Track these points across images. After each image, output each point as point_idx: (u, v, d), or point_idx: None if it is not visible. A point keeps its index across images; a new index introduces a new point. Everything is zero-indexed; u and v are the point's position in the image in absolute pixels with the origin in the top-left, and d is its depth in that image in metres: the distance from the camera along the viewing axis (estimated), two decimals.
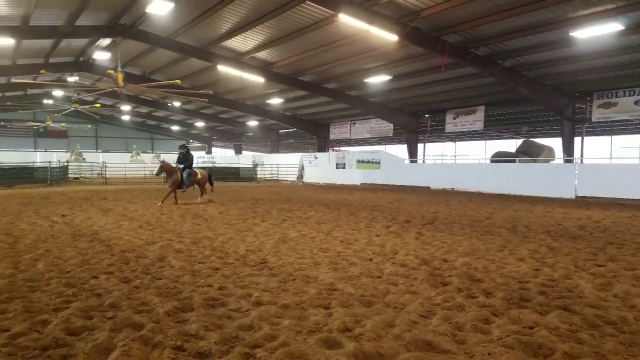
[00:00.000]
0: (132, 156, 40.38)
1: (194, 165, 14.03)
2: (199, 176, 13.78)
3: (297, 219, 10.07)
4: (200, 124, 42.44)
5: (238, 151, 47.19)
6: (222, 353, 2.92)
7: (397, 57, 18.13)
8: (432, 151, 45.15)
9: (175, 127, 46.02)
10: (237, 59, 20.17)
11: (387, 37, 14.23)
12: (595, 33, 13.26)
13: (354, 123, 31.92)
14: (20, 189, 19.78)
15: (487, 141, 42.17)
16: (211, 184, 14.58)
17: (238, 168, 33.07)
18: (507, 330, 3.32)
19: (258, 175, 32.16)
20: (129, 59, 21.61)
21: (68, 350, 2.94)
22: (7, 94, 31.01)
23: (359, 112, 29.21)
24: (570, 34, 13.52)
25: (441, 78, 20.11)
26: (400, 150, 45.20)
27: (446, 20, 14.24)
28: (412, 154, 28.97)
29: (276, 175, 33.53)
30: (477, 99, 23.60)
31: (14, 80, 24.26)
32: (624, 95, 18.39)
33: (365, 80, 21.36)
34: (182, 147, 14.03)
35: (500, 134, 36.06)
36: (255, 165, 32.42)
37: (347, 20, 13.27)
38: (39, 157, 32.96)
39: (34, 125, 35.93)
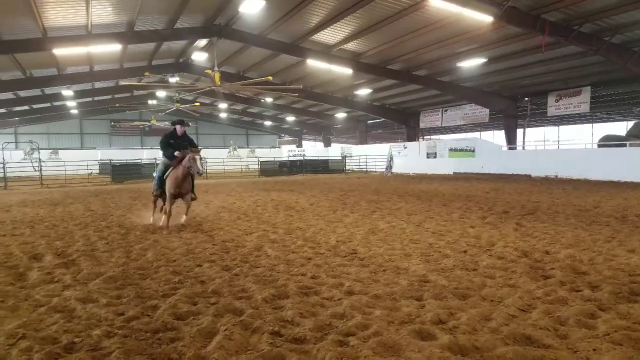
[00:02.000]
0: (229, 151, 43.01)
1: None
2: None
3: (386, 210, 10.06)
4: (290, 118, 43.83)
5: (327, 143, 47.94)
6: (317, 339, 3.06)
7: (492, 39, 17.13)
8: (533, 136, 41.91)
9: (267, 123, 48.04)
10: (326, 51, 20.48)
11: (482, 18, 13.53)
12: None
13: (446, 110, 30.79)
14: (130, 184, 21.90)
15: (594, 124, 38.22)
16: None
17: (327, 160, 33.55)
18: (614, 326, 3.11)
19: (347, 167, 32.41)
20: (224, 58, 22.99)
21: (176, 334, 3.20)
22: (116, 95, 34.13)
23: (451, 99, 28.11)
24: None
25: (541, 59, 18.62)
26: (497, 137, 42.71)
27: None
28: (511, 139, 27.21)
29: (365, 166, 33.56)
30: (582, 80, 21.54)
31: (122, 82, 26.96)
32: None
33: (458, 64, 20.51)
34: None
35: (609, 116, 32.49)
36: (344, 157, 32.69)
37: (438, 4, 12.84)
38: (146, 154, 35.96)
39: (141, 125, 39.62)
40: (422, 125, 33.33)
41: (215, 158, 33.12)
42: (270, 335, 3.13)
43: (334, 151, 40.36)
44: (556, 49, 17.00)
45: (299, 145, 51.82)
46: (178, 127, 8.11)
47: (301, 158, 33.76)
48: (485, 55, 19.11)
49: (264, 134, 54.00)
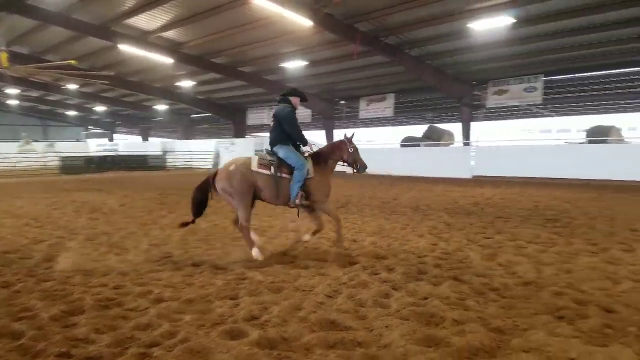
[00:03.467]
0: (20, 145, 36.27)
1: None
2: None
3: (209, 208, 9.75)
4: (101, 108, 39.14)
5: (145, 137, 44.58)
6: (115, 355, 2.74)
7: (313, 43, 18.18)
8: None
9: (71, 113, 42.05)
10: (143, 38, 18.83)
11: (302, 22, 14.21)
12: (490, 25, 14.37)
13: (272, 108, 31.58)
14: None
15: (398, 127, 44.17)
16: None
17: (145, 156, 31.10)
18: (404, 303, 3.54)
19: (168, 164, 30.68)
20: (14, 36, 19.28)
21: None
22: None
23: (276, 97, 29.00)
24: (468, 25, 14.51)
25: (355, 65, 20.57)
26: (318, 136, 45.84)
27: (358, 8, 14.53)
28: (330, 139, 29.53)
29: (189, 162, 32.28)
30: (388, 87, 24.62)
31: None
32: (515, 83, 20.25)
33: (282, 65, 21.20)
34: None
35: (409, 120, 38.03)
36: (165, 153, 30.88)
37: (260, 2, 13.00)
38: None
39: None
40: (249, 121, 33.61)
41: (3, 153, 27.67)
42: (57, 358, 2.69)
43: (154, 146, 37.67)
44: (367, 58, 18.96)
45: (111, 139, 46.91)
46: None
47: (113, 153, 30.61)
48: (307, 58, 20.22)
49: (67, 125, 46.74)
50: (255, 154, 5.74)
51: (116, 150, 33.28)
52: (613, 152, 17.67)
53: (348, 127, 43.70)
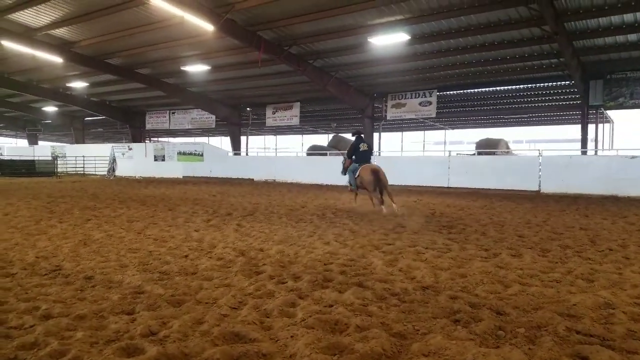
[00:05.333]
0: None
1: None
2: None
3: (104, 217, 9.09)
4: None
5: (33, 141, 40.24)
6: None
7: (215, 48, 17.87)
8: (256, 144, 46.06)
9: None
10: (28, 35, 17.08)
11: (203, 26, 13.88)
12: (388, 41, 15.33)
13: (174, 112, 30.41)
14: None
15: (305, 135, 44.99)
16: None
17: (33, 161, 28.42)
18: (309, 311, 3.55)
19: (59, 169, 27.99)
20: None
21: None
22: None
23: (178, 101, 27.91)
24: (369, 39, 15.33)
25: (260, 73, 20.60)
26: (224, 143, 44.87)
27: (261, 16, 14.60)
28: (236, 146, 29.06)
29: (82, 168, 29.68)
30: (294, 96, 24.98)
31: None
32: (412, 97, 21.75)
33: (183, 68, 20.49)
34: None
35: (315, 129, 38.94)
36: (55, 158, 28.17)
37: (159, 4, 12.47)
38: None
39: None
40: (148, 126, 31.94)
41: None
42: None
43: (43, 150, 34.25)
44: (272, 65, 19.09)
45: None
46: None
47: None
48: (209, 62, 19.80)
49: None
50: None
51: (0, 155, 29.60)
52: (501, 163, 19.17)
53: (255, 134, 43.75)
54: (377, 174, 10.16)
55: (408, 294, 4.07)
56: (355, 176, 10.67)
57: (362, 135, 11.16)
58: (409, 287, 4.28)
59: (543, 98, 23.49)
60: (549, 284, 4.45)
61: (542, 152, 17.99)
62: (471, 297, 3.97)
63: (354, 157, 10.95)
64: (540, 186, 17.28)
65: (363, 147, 10.83)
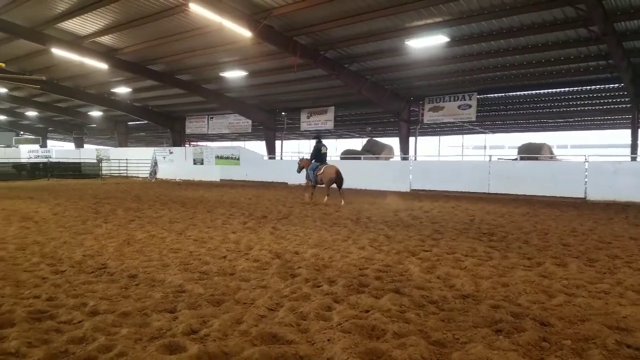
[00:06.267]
0: None
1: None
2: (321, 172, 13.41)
3: (147, 218, 9.42)
4: (32, 113, 36.75)
5: (79, 144, 42.16)
6: None
7: (253, 54, 18.18)
8: (290, 148, 46.47)
9: (1, 117, 39.29)
10: (76, 42, 18.02)
11: (241, 32, 14.17)
12: (426, 43, 15.12)
13: (212, 117, 31.12)
14: None
15: (338, 139, 45.00)
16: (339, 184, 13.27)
17: (79, 163, 29.68)
18: (345, 316, 3.54)
19: (103, 172, 29.26)
20: None
21: None
22: None
23: (216, 107, 28.56)
24: (406, 42, 15.18)
25: (295, 77, 20.79)
26: (260, 147, 45.56)
27: (297, 21, 14.76)
28: (271, 150, 29.41)
29: (125, 171, 30.86)
30: (328, 100, 25.03)
31: None
32: (450, 100, 21.33)
33: (221, 74, 20.96)
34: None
35: (349, 133, 38.83)
36: (100, 160, 29.43)
37: (198, 11, 12.85)
38: None
39: None
40: (188, 130, 32.83)
41: None
42: None
43: (88, 153, 35.78)
44: (307, 70, 19.22)
45: (43, 145, 43.90)
46: None
47: (45, 160, 28.89)
48: (247, 68, 20.18)
49: None
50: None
51: (49, 157, 31.23)
52: (544, 169, 18.43)
53: (290, 139, 44.16)
54: (339, 173, 13.00)
55: (447, 302, 3.98)
56: (319, 173, 13.17)
57: (322, 140, 13.91)
58: (448, 295, 4.19)
59: (589, 101, 22.50)
60: (597, 295, 4.25)
61: (588, 157, 17.23)
62: (514, 306, 3.85)
63: (314, 160, 13.67)
64: (586, 193, 16.54)
65: (324, 149, 13.76)
